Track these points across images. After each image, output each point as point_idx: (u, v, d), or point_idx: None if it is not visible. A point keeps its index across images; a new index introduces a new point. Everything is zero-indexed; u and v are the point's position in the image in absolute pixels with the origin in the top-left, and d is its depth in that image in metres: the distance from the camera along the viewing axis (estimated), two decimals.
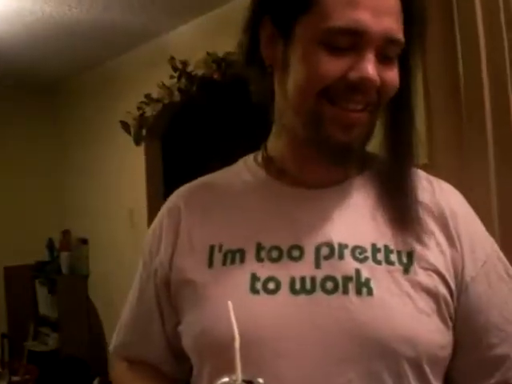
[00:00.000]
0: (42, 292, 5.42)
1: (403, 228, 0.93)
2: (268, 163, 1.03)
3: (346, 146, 0.90)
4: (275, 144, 1.02)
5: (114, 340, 1.15)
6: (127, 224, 4.62)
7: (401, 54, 0.91)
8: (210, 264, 0.96)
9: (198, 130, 4.53)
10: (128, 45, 4.45)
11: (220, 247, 0.97)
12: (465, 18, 1.40)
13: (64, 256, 5.26)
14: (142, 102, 4.22)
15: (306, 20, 0.88)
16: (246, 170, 1.06)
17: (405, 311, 0.88)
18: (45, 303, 5.39)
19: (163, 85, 4.02)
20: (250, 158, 1.08)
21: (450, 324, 0.92)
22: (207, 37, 3.83)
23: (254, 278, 0.92)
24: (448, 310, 0.91)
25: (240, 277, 0.93)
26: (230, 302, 0.79)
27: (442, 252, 0.93)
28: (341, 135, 0.89)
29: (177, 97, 3.98)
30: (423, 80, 1.51)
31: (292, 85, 0.91)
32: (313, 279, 0.90)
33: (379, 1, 0.86)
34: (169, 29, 4.13)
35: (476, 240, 0.97)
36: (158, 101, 4.12)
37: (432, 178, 1.04)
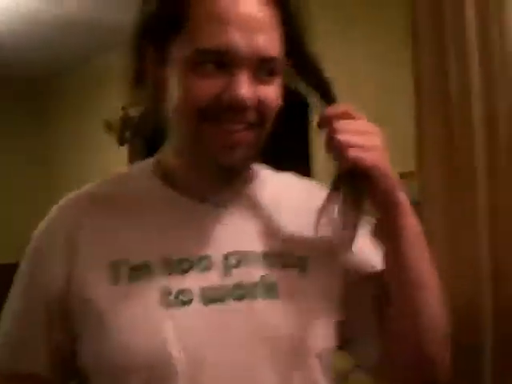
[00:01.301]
0: None
1: (298, 234, 0.98)
2: (165, 174, 1.00)
3: (229, 166, 0.91)
4: (170, 159, 1.01)
5: None
6: None
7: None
8: (116, 281, 0.91)
9: None
10: (114, 44, 4.41)
11: (125, 262, 0.92)
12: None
13: None
14: (126, 103, 4.18)
15: (178, 40, 0.88)
16: (144, 177, 1.02)
17: (304, 311, 0.93)
18: None
19: None
20: (146, 166, 1.05)
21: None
22: None
23: (165, 291, 0.90)
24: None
25: (149, 292, 0.90)
26: None
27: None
28: (223, 156, 0.89)
29: None
30: (415, 90, 1.51)
31: (172, 106, 0.91)
32: (222, 288, 0.91)
33: (250, 18, 0.85)
34: None
35: None
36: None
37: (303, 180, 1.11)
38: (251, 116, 0.88)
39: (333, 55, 3.06)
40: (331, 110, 0.90)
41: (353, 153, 0.85)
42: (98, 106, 4.65)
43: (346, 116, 0.88)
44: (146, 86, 0.97)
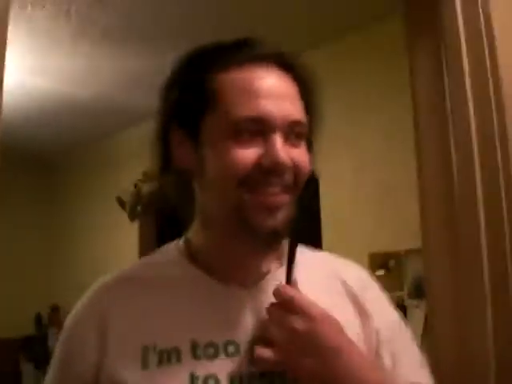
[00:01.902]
0: (27, 368, 5.30)
1: None
2: (194, 256, 1.01)
3: (274, 229, 0.91)
4: (199, 240, 1.02)
5: None
6: None
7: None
8: (145, 366, 0.91)
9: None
10: (129, 122, 4.53)
11: (154, 347, 0.92)
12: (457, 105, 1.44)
13: (52, 332, 5.18)
14: (138, 180, 4.26)
15: (212, 118, 0.92)
16: (172, 262, 1.02)
17: None
18: (30, 379, 5.27)
19: None
20: (172, 248, 1.05)
21: None
22: None
23: (193, 377, 0.90)
24: None
25: (178, 377, 0.90)
26: None
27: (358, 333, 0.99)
28: (268, 220, 0.90)
29: None
30: (417, 169, 1.54)
31: (210, 181, 0.94)
32: (251, 375, 0.90)
33: (277, 89, 0.92)
34: None
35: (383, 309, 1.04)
36: (154, 178, 4.15)
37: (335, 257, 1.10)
38: (288, 179, 0.91)
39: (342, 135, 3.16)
40: (282, 291, 0.91)
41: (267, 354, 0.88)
42: (109, 182, 4.71)
43: (289, 305, 0.89)
44: (172, 170, 1.00)
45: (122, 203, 4.39)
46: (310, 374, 0.87)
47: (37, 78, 3.63)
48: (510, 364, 1.41)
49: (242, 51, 0.94)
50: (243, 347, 0.92)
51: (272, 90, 0.91)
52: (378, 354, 0.98)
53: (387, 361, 0.98)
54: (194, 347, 0.92)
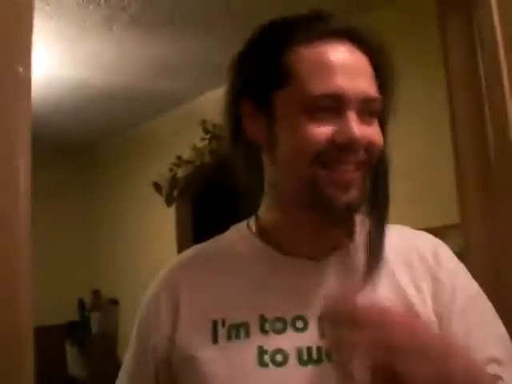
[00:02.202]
0: (72, 352, 5.41)
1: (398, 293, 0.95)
2: (263, 233, 1.02)
3: (347, 205, 0.91)
4: (269, 215, 1.03)
5: None
6: None
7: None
8: (215, 340, 0.94)
9: (228, 192, 4.56)
10: (161, 108, 4.56)
11: (223, 322, 0.95)
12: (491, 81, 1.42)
13: (95, 316, 5.28)
14: (173, 164, 4.29)
15: (286, 93, 0.92)
16: (241, 239, 1.05)
17: None
18: (74, 363, 5.38)
19: (195, 147, 4.09)
20: (242, 226, 1.07)
21: None
22: None
23: (262, 351, 0.91)
24: None
25: (247, 351, 0.92)
26: None
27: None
28: (342, 196, 0.90)
29: (208, 158, 4.04)
30: (453, 144, 1.53)
31: (283, 156, 0.93)
32: (319, 349, 0.91)
33: (352, 65, 0.91)
34: (201, 92, 4.22)
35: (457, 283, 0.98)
36: (189, 162, 4.18)
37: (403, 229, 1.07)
38: (361, 156, 0.91)
39: None
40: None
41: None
42: (145, 168, 4.75)
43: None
44: (242, 143, 1.01)
45: (158, 188, 4.43)
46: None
47: (66, 67, 3.66)
48: None
49: (316, 25, 0.93)
50: (312, 322, 0.92)
51: (347, 66, 0.91)
52: (449, 326, 0.94)
53: (459, 332, 0.93)
54: (262, 322, 0.93)
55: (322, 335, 0.91)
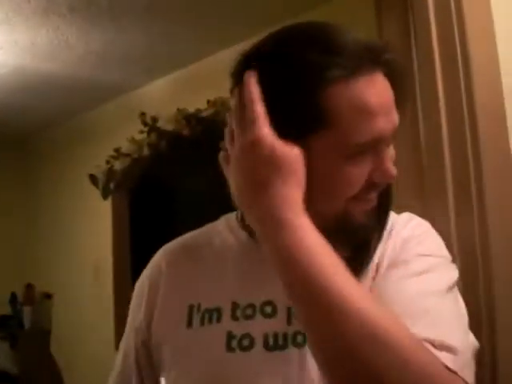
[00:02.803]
0: (2, 347, 5.28)
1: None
2: (249, 226, 1.02)
3: (366, 226, 0.94)
4: None
5: None
6: (92, 279, 4.56)
7: None
8: (189, 324, 0.99)
9: (166, 185, 4.53)
10: (99, 99, 4.49)
11: (199, 306, 0.99)
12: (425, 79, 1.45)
13: (27, 310, 5.16)
14: (110, 156, 4.23)
15: (324, 136, 0.86)
16: (228, 230, 1.08)
17: None
18: (5, 358, 5.25)
19: (133, 139, 4.05)
20: (232, 217, 1.09)
21: None
22: (178, 93, 3.88)
23: (230, 336, 0.94)
24: None
25: (217, 336, 0.95)
26: (162, 379, 0.91)
27: None
28: (363, 220, 0.93)
29: (146, 151, 4.00)
30: None
31: (316, 193, 0.88)
32: (285, 335, 0.92)
33: (387, 101, 0.89)
34: (140, 85, 4.18)
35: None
36: (127, 155, 4.14)
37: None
38: None
39: None
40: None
41: None
42: (82, 160, 4.67)
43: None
44: None
45: (94, 180, 4.36)
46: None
47: (2, 54, 3.56)
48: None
49: (355, 56, 0.85)
50: (280, 308, 0.94)
51: (384, 104, 0.88)
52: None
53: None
54: (234, 308, 0.97)
55: (289, 322, 0.93)
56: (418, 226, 1.03)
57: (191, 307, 1.00)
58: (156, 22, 3.23)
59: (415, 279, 0.90)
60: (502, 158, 1.42)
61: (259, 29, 3.14)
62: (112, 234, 4.46)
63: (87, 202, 4.65)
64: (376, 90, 0.86)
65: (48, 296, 5.15)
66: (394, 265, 0.93)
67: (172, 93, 3.95)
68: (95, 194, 4.39)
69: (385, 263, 0.95)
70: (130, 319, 1.12)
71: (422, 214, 1.08)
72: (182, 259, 1.08)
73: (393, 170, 0.91)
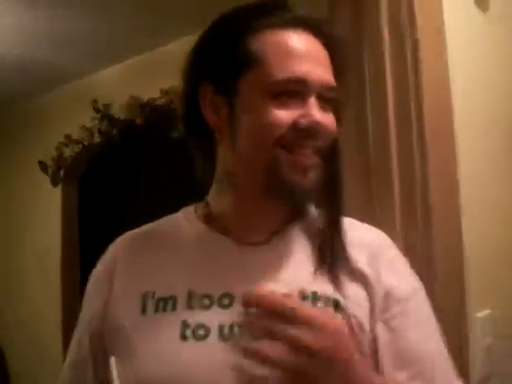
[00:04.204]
0: None
1: (332, 275, 0.98)
2: (209, 218, 1.06)
3: (306, 188, 0.95)
4: (219, 201, 1.05)
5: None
6: (39, 268, 4.49)
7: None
8: (143, 311, 0.98)
9: (117, 173, 4.49)
10: (51, 85, 4.41)
11: (153, 294, 0.99)
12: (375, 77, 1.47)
13: None
14: (61, 143, 4.17)
15: (250, 78, 0.95)
16: (185, 221, 1.08)
17: None
18: None
19: (84, 126, 4.00)
20: (190, 209, 1.10)
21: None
22: (131, 81, 3.85)
23: (185, 324, 0.94)
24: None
25: (171, 324, 0.95)
26: (112, 359, 0.89)
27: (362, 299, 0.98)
28: (301, 179, 0.94)
29: (97, 139, 3.96)
30: None
31: (245, 140, 0.96)
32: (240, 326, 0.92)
33: (314, 53, 0.96)
34: (93, 71, 4.12)
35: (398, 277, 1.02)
36: (77, 142, 4.09)
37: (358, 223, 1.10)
38: (319, 141, 0.95)
39: None
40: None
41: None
42: (32, 146, 4.59)
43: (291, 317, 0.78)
44: (198, 131, 1.04)
45: (44, 167, 4.30)
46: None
47: None
48: None
49: (279, 13, 0.97)
50: (238, 300, 0.94)
51: (311, 54, 0.96)
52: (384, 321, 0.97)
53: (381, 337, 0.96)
54: (189, 297, 0.97)
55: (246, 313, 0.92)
56: (387, 240, 1.09)
57: (145, 294, 0.99)
58: (111, 9, 3.19)
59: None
60: (448, 161, 1.45)
61: (214, 18, 3.17)
62: (61, 221, 4.40)
63: (36, 188, 4.57)
64: (301, 39, 0.96)
65: None
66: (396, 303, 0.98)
67: (125, 81, 3.91)
68: (45, 180, 4.32)
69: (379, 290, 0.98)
70: (84, 308, 1.11)
71: (370, 222, 1.11)
72: (138, 248, 1.08)
73: (318, 117, 0.93)
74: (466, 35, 1.62)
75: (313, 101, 0.94)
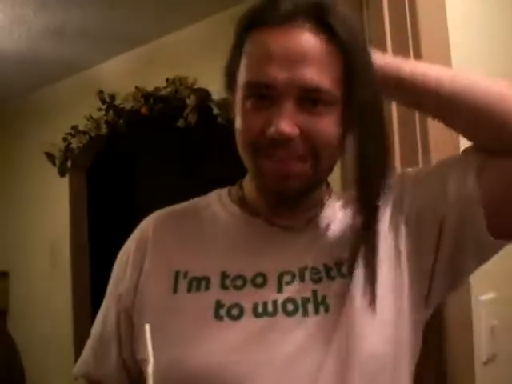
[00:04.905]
0: None
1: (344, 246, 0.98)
2: (242, 201, 1.06)
3: (284, 195, 0.95)
4: (249, 186, 1.06)
5: (79, 359, 1.13)
6: (49, 257, 4.53)
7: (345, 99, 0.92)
8: (175, 290, 0.98)
9: (123, 163, 4.51)
10: (57, 75, 4.43)
11: (185, 274, 0.99)
12: None
13: None
14: (68, 134, 4.19)
15: (239, 77, 0.95)
16: (218, 202, 1.08)
17: (363, 322, 0.92)
18: None
19: (91, 117, 4.01)
20: (223, 191, 1.11)
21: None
22: (136, 71, 3.86)
23: (219, 304, 0.94)
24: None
25: (205, 303, 0.95)
26: (147, 326, 0.85)
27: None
28: (277, 186, 0.93)
29: (104, 129, 3.98)
30: None
31: (237, 142, 0.97)
32: (274, 303, 0.94)
33: (292, 52, 0.88)
34: (98, 62, 4.13)
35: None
36: (84, 133, 4.10)
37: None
38: (299, 147, 0.90)
39: None
40: None
41: None
42: (38, 137, 4.61)
43: None
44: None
45: (51, 158, 4.32)
46: None
47: None
48: None
49: (273, 8, 0.91)
50: (271, 278, 0.96)
51: (286, 53, 0.88)
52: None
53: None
54: (223, 278, 0.97)
55: (280, 290, 0.95)
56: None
57: (177, 273, 0.99)
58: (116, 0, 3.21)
59: None
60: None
61: (218, 7, 3.17)
62: (69, 211, 4.43)
63: (44, 179, 4.60)
64: (283, 40, 0.89)
65: (4, 274, 5.10)
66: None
67: (131, 71, 3.92)
68: (52, 171, 4.35)
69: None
70: (111, 285, 1.10)
71: None
72: (169, 226, 1.07)
73: (282, 126, 0.87)
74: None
75: (282, 106, 0.88)
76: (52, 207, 4.60)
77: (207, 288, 0.97)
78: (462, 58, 1.48)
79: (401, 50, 1.39)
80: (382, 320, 0.93)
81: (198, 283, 0.97)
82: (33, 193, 4.80)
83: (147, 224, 1.10)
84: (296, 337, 0.91)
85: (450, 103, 0.95)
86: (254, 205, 1.04)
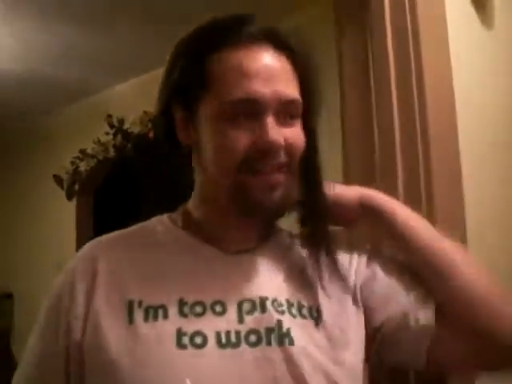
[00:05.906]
0: None
1: (313, 286, 1.00)
2: (190, 226, 1.04)
3: (274, 206, 0.94)
4: (200, 210, 1.05)
5: None
6: (54, 279, 4.52)
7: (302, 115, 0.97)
8: (131, 320, 0.92)
9: (131, 187, 4.54)
10: (66, 100, 4.48)
11: (140, 303, 0.93)
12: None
13: None
14: (76, 157, 4.23)
15: (207, 99, 0.93)
16: (164, 229, 1.05)
17: (322, 359, 0.92)
18: None
19: (98, 141, 4.05)
20: (164, 218, 1.08)
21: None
22: (144, 96, 3.88)
23: (180, 332, 0.90)
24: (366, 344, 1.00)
25: (165, 332, 0.90)
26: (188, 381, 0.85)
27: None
28: (268, 198, 0.93)
29: (111, 153, 4.01)
30: (343, 150, 1.59)
31: (210, 163, 0.96)
32: (237, 333, 0.92)
33: (269, 69, 0.93)
34: (107, 86, 4.19)
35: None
36: (92, 156, 4.14)
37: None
38: (281, 158, 0.93)
39: None
40: None
41: None
42: (47, 160, 4.65)
43: None
44: (175, 146, 1.02)
45: (59, 181, 4.35)
46: None
47: None
48: None
49: (236, 30, 0.94)
50: (230, 307, 0.94)
51: (263, 70, 0.92)
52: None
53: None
54: (181, 305, 0.93)
55: (240, 320, 0.93)
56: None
57: (131, 302, 0.93)
58: (124, 24, 3.26)
59: None
60: (452, 155, 1.47)
61: None
62: (76, 234, 4.45)
63: (51, 202, 4.63)
64: (254, 57, 0.93)
65: (8, 296, 5.11)
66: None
67: (139, 95, 3.96)
68: (60, 194, 4.37)
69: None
70: (46, 325, 1.01)
71: None
72: (118, 252, 1.01)
73: (273, 136, 0.90)
74: (471, 50, 1.64)
75: (266, 119, 0.91)
76: (58, 229, 4.62)
77: (165, 317, 0.92)
78: (463, 84, 1.50)
79: (405, 86, 1.42)
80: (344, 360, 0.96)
81: (155, 312, 0.93)
82: (41, 215, 4.83)
83: (92, 249, 1.04)
84: (261, 366, 0.91)
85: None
86: (205, 230, 1.02)
